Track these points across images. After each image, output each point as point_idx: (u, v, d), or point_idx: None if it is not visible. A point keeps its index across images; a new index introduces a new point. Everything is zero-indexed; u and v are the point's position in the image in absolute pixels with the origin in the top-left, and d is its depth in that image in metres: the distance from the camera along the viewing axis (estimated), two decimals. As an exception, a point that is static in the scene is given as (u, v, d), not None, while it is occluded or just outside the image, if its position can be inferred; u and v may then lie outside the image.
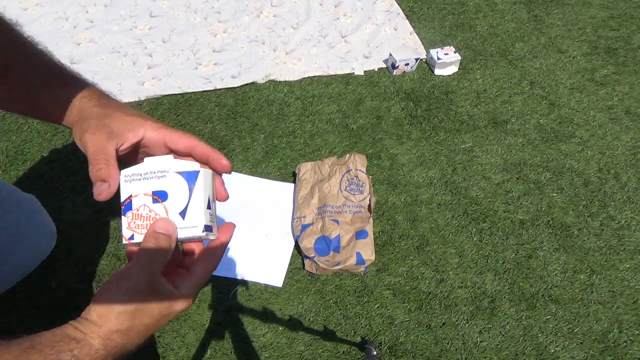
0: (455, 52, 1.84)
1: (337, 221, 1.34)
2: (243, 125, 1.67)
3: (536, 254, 1.39)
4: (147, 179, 0.47)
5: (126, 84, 1.77)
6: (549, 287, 1.32)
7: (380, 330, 1.23)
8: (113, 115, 0.48)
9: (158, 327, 0.43)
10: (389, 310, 1.27)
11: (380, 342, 1.21)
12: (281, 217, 1.44)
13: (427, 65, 1.88)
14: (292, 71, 1.84)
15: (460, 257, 1.37)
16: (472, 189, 1.53)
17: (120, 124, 0.48)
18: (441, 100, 1.77)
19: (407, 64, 1.83)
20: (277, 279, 1.31)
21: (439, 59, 1.81)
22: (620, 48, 1.98)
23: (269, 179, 1.53)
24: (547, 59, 1.93)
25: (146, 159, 0.46)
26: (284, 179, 1.53)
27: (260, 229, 1.41)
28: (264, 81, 1.81)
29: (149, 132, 0.48)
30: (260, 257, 1.36)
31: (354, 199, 1.40)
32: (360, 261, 1.28)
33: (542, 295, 1.31)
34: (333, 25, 2.03)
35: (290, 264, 1.33)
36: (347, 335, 1.22)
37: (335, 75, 1.85)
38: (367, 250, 1.29)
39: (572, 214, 1.48)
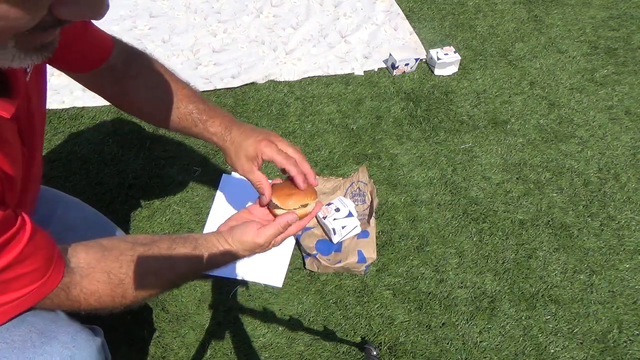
0: (455, 52, 1.84)
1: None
2: (243, 125, 1.67)
3: (536, 254, 1.39)
4: None
5: (126, 84, 1.76)
6: (549, 287, 1.32)
7: (380, 331, 1.23)
8: (248, 141, 0.85)
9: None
10: (389, 310, 1.27)
11: (380, 342, 1.21)
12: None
13: (427, 66, 1.88)
14: (292, 71, 1.84)
15: (460, 257, 1.37)
16: (472, 189, 1.53)
17: (253, 149, 0.86)
18: (441, 100, 1.77)
19: (407, 64, 1.83)
20: (277, 279, 1.30)
21: (439, 59, 1.81)
22: (620, 48, 1.98)
23: (270, 179, 1.53)
24: (547, 59, 1.93)
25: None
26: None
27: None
28: (263, 81, 1.81)
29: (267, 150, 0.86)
30: (260, 257, 1.35)
31: (358, 209, 1.40)
32: (362, 259, 1.28)
33: (542, 295, 1.31)
34: (333, 25, 2.03)
35: (290, 264, 1.33)
36: (347, 335, 1.22)
37: (335, 75, 1.85)
38: (368, 249, 1.29)
39: (572, 214, 1.48)
